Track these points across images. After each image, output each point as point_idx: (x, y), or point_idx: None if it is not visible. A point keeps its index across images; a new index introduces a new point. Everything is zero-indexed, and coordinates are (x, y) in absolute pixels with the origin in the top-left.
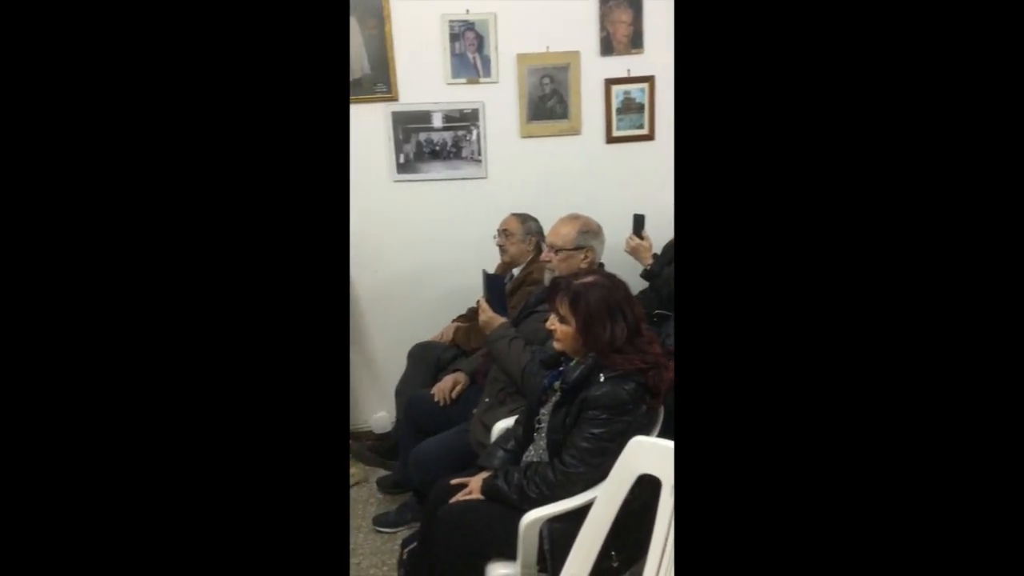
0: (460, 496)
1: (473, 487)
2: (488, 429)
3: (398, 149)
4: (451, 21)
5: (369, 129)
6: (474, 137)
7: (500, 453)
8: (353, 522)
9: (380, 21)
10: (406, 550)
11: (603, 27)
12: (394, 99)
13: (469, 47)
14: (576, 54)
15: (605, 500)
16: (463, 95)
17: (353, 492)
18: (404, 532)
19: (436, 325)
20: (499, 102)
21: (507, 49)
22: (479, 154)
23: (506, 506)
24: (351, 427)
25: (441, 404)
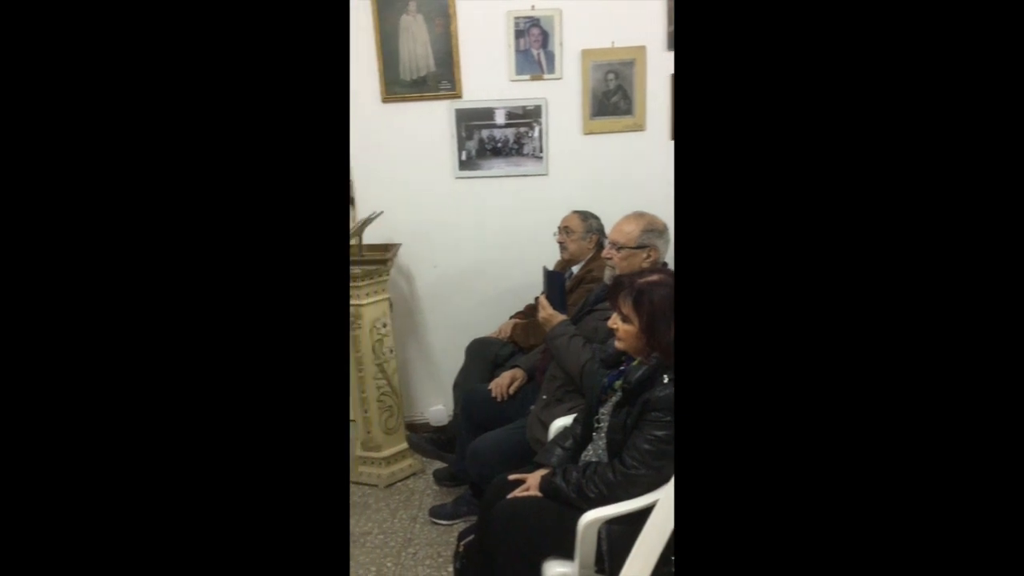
0: (518, 492)
1: (531, 484)
2: (546, 426)
3: (460, 146)
4: (516, 17)
5: (433, 127)
6: (536, 134)
7: (558, 451)
8: (409, 512)
9: (447, 19)
10: (463, 543)
11: (670, 21)
12: (458, 96)
13: (534, 43)
14: (642, 49)
15: (667, 504)
16: (526, 92)
17: (410, 483)
18: (460, 525)
19: (494, 321)
20: (562, 98)
21: (572, 45)
22: (541, 151)
23: (564, 505)
24: (409, 418)
25: (498, 400)
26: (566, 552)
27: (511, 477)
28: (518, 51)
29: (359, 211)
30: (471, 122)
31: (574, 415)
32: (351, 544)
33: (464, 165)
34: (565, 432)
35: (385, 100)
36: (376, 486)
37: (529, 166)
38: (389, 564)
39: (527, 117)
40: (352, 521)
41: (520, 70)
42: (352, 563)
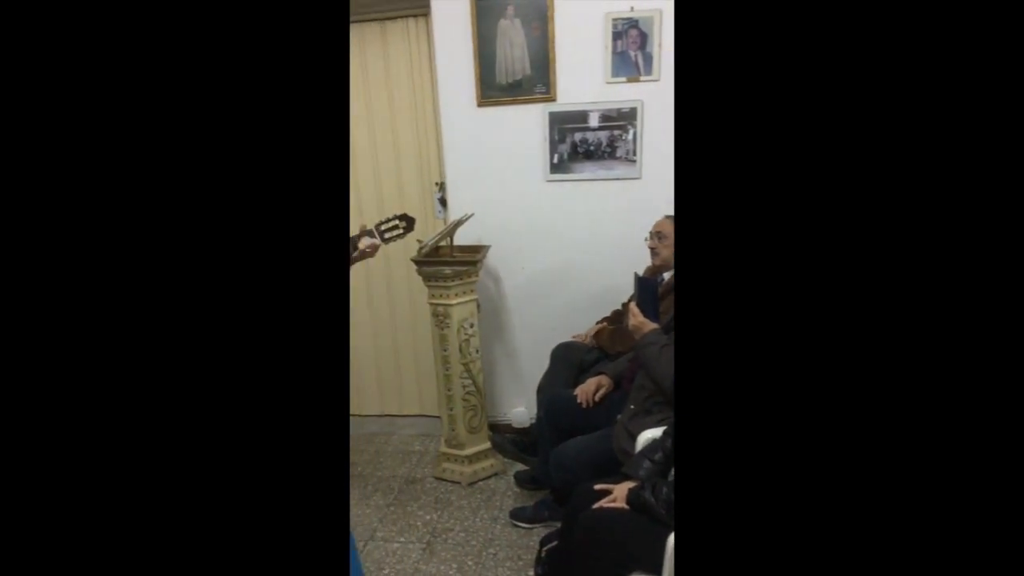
0: (604, 502)
1: (618, 495)
2: (633, 437)
3: (553, 149)
4: (615, 19)
5: (526, 130)
6: (630, 136)
7: (646, 464)
8: (490, 512)
9: (544, 22)
10: (545, 548)
11: None
12: (552, 99)
13: (631, 45)
14: None
15: None
16: (622, 94)
17: (491, 482)
18: (540, 529)
19: (579, 325)
20: (659, 101)
21: (671, 46)
22: (634, 154)
23: (652, 520)
24: (492, 418)
25: (583, 406)
26: (652, 567)
27: (597, 487)
28: (615, 53)
29: (451, 213)
30: (564, 125)
31: (664, 428)
32: (434, 538)
33: (555, 168)
34: (654, 445)
35: (480, 104)
36: (459, 483)
37: (622, 169)
38: (470, 562)
39: (622, 120)
40: (435, 516)
41: (616, 72)
42: (434, 559)
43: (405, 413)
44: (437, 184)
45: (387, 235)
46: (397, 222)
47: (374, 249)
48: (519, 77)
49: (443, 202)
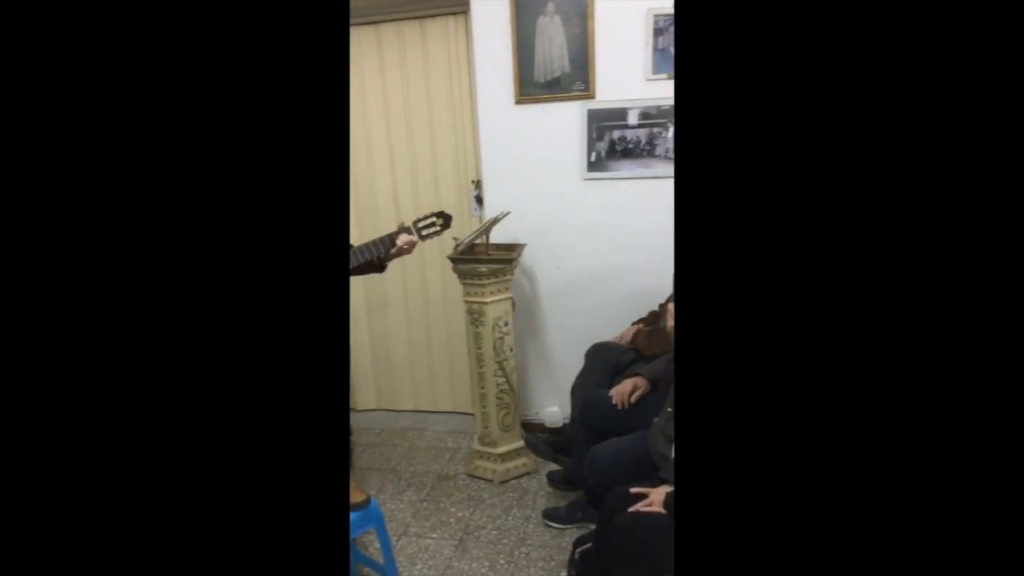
0: (640, 506)
1: (655, 500)
2: (670, 441)
3: (590, 147)
4: (656, 15)
5: (564, 127)
6: (670, 135)
7: None
8: (522, 511)
9: (584, 19)
10: (578, 550)
11: None
12: (591, 97)
13: (673, 41)
14: None
15: None
16: (663, 91)
17: (523, 481)
18: (572, 530)
19: (614, 326)
20: None
21: None
22: (674, 152)
23: None
24: (524, 417)
25: (619, 407)
26: None
27: (633, 490)
28: (656, 49)
29: (487, 211)
30: (603, 123)
31: None
32: (466, 535)
33: (593, 166)
34: None
35: (518, 102)
36: (491, 481)
37: (660, 168)
38: (502, 561)
39: (661, 117)
40: (467, 513)
41: (657, 69)
42: (467, 556)
43: (438, 409)
44: (473, 182)
45: (424, 232)
46: (434, 219)
47: (411, 246)
48: (558, 74)
49: (479, 200)
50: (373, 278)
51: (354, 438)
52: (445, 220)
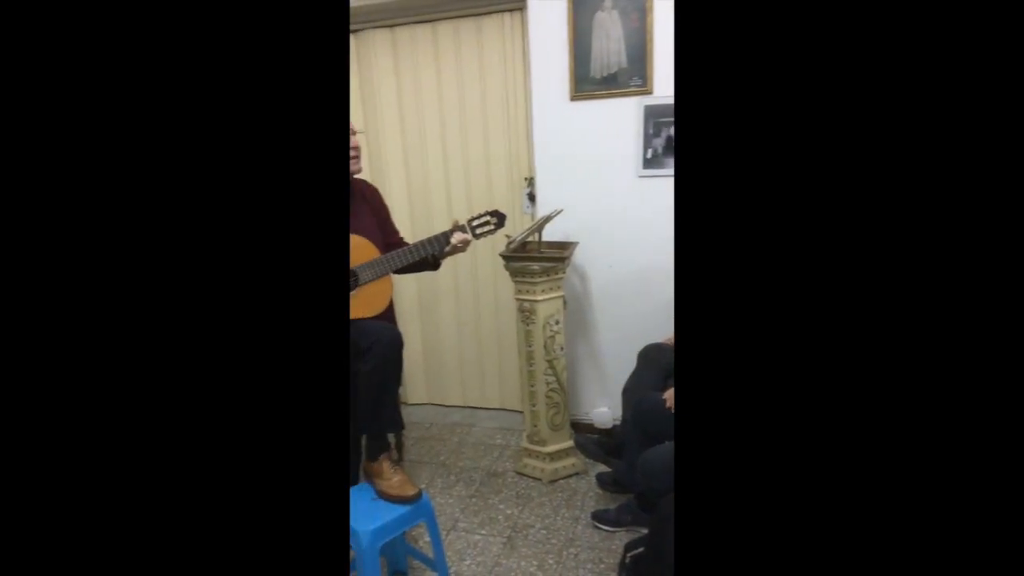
0: None
1: None
2: None
3: (647, 144)
4: None
5: (620, 124)
6: None
7: None
8: (571, 512)
9: (642, 13)
10: (630, 554)
11: None
12: (648, 93)
13: None
14: None
15: None
16: None
17: (572, 482)
18: (622, 533)
19: (668, 327)
20: None
21: None
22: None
23: None
24: (574, 417)
25: (673, 411)
26: None
27: None
28: None
29: (539, 208)
30: (660, 119)
31: None
32: (514, 533)
33: (648, 163)
34: None
35: (573, 98)
36: (540, 480)
37: None
38: (551, 561)
39: None
40: (516, 511)
41: None
42: (515, 554)
43: (487, 406)
44: (526, 179)
45: (478, 231)
46: (488, 218)
47: (465, 244)
48: (614, 70)
49: (532, 197)
50: (425, 273)
51: (405, 432)
52: (499, 219)
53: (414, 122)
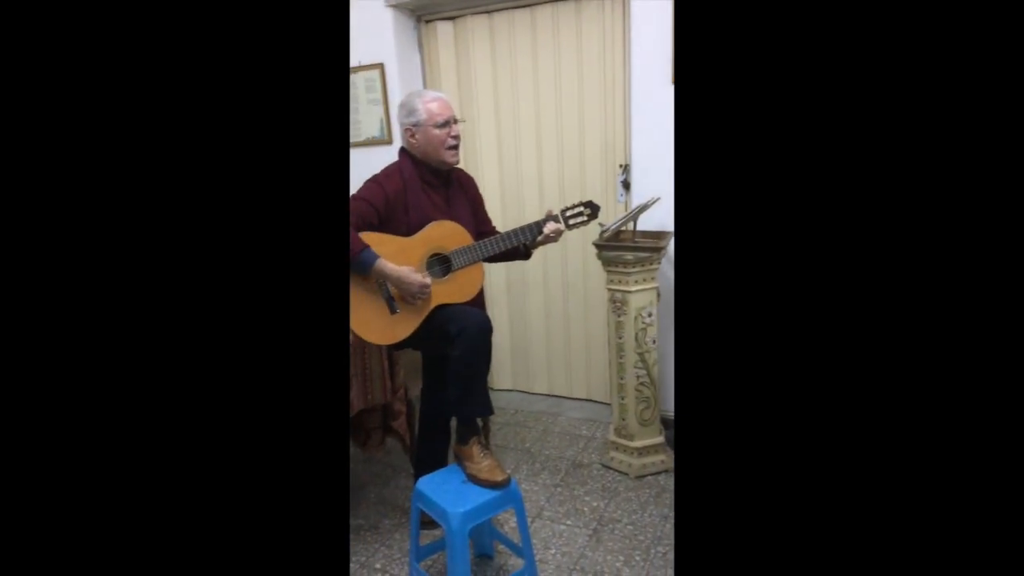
0: None
1: None
2: None
3: None
4: None
5: None
6: None
7: None
8: (659, 509)
9: None
10: None
11: None
12: None
13: None
14: None
15: None
16: None
17: (661, 479)
18: None
19: None
20: None
21: None
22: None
23: None
24: (664, 412)
25: None
26: None
27: None
28: None
29: (633, 196)
30: None
31: None
32: (600, 526)
33: None
34: None
35: (675, 82)
36: (626, 475)
37: None
38: (637, 557)
39: None
40: (602, 504)
41: None
42: (601, 547)
43: (572, 396)
44: (621, 166)
45: (571, 221)
46: (582, 209)
47: (558, 234)
48: None
49: (626, 185)
50: (515, 261)
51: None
52: (593, 211)
53: (509, 109)
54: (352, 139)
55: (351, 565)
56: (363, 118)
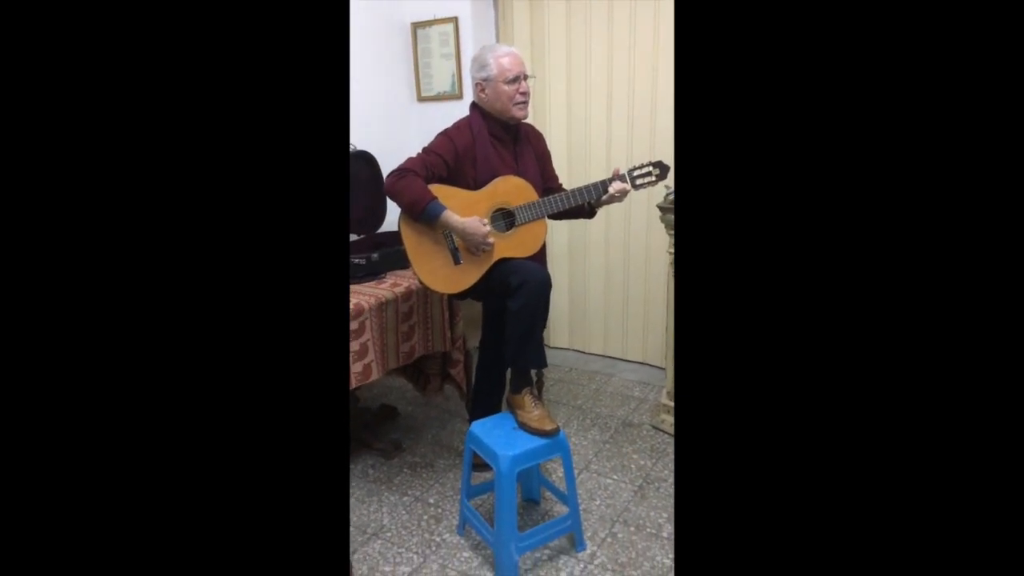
0: None
1: None
2: None
3: None
4: None
5: None
6: None
7: None
8: None
9: None
10: None
11: None
12: None
13: None
14: None
15: None
16: None
17: None
18: None
19: None
20: None
21: None
22: None
23: None
24: None
25: None
26: None
27: None
28: None
29: None
30: None
31: None
32: (646, 483)
33: None
34: None
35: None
36: (675, 436)
37: None
38: None
39: None
40: (649, 463)
41: None
42: (645, 503)
43: (627, 358)
44: None
45: (638, 181)
46: (651, 168)
47: (623, 194)
48: None
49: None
50: (577, 220)
51: (546, 372)
52: (662, 171)
53: (581, 68)
54: (424, 93)
55: (406, 499)
56: (435, 72)
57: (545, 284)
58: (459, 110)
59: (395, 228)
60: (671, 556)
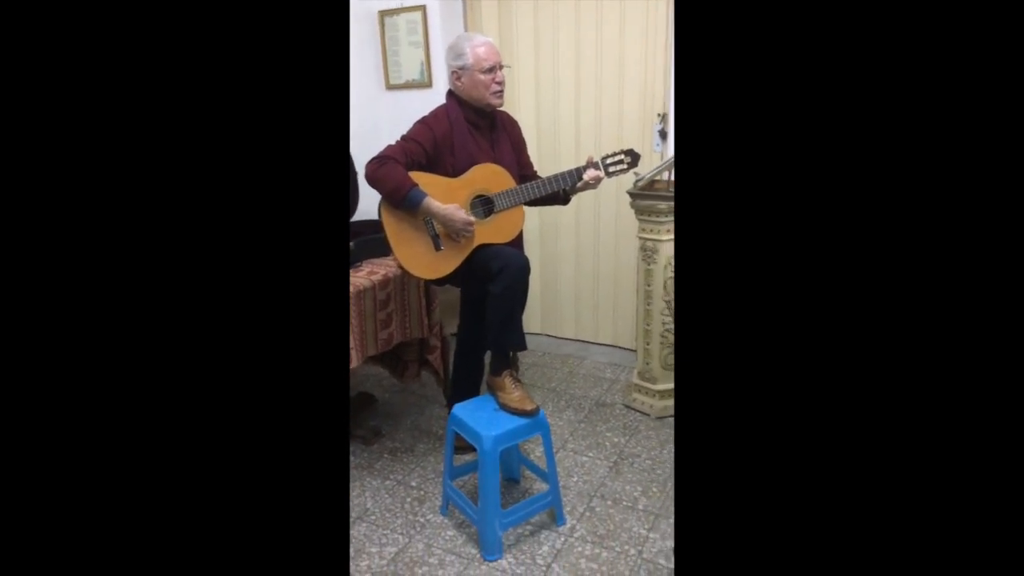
0: None
1: None
2: None
3: None
4: None
5: None
6: None
7: None
8: None
9: None
10: None
11: None
12: None
13: None
14: None
15: None
16: None
17: None
18: None
19: None
20: None
21: None
22: None
23: None
24: None
25: None
26: None
27: None
28: None
29: (670, 146)
30: None
31: None
32: (620, 460)
33: None
34: None
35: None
36: (647, 415)
37: None
38: (655, 489)
39: None
40: (623, 440)
41: None
42: (620, 478)
43: (598, 341)
44: (659, 115)
45: (611, 169)
46: (623, 156)
47: (597, 181)
48: None
49: (663, 135)
50: (547, 206)
51: (520, 356)
52: (633, 159)
53: (549, 55)
54: (392, 81)
55: (388, 483)
56: (404, 60)
57: (525, 268)
58: (429, 98)
59: (369, 216)
60: (647, 527)
